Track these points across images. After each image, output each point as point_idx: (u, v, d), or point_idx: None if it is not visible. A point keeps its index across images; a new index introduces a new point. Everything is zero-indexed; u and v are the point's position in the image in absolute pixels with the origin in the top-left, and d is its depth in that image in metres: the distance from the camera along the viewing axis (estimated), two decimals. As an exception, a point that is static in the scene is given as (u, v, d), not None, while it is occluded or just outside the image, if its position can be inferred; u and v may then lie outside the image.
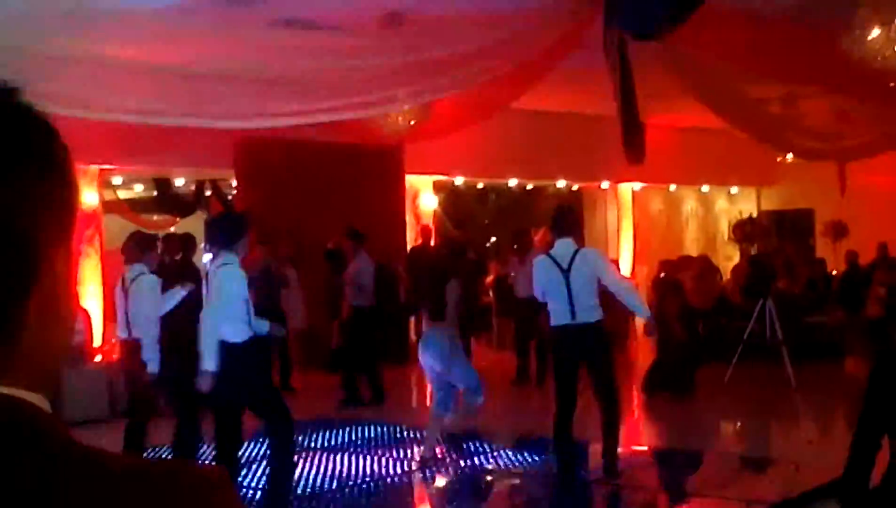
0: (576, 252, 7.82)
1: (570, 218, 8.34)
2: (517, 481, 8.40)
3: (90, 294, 13.46)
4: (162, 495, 0.91)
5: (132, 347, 8.14)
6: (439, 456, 9.06)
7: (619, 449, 8.05)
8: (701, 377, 12.42)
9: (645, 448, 9.86)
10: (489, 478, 8.53)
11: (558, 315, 7.80)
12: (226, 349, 6.81)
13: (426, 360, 8.90)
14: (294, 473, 7.28)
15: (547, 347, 13.34)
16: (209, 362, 6.77)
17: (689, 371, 12.26)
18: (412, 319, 16.94)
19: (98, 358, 12.36)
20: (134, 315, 8.06)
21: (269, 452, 7.21)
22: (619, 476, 7.97)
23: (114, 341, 12.53)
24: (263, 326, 7.12)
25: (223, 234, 7.10)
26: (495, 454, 9.27)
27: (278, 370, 13.20)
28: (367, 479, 8.46)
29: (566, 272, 7.73)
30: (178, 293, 8.55)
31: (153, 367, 7.84)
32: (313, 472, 8.68)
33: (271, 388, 7.40)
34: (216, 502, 0.94)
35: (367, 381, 12.31)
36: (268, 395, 7.04)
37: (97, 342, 13.15)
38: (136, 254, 8.28)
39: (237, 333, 6.87)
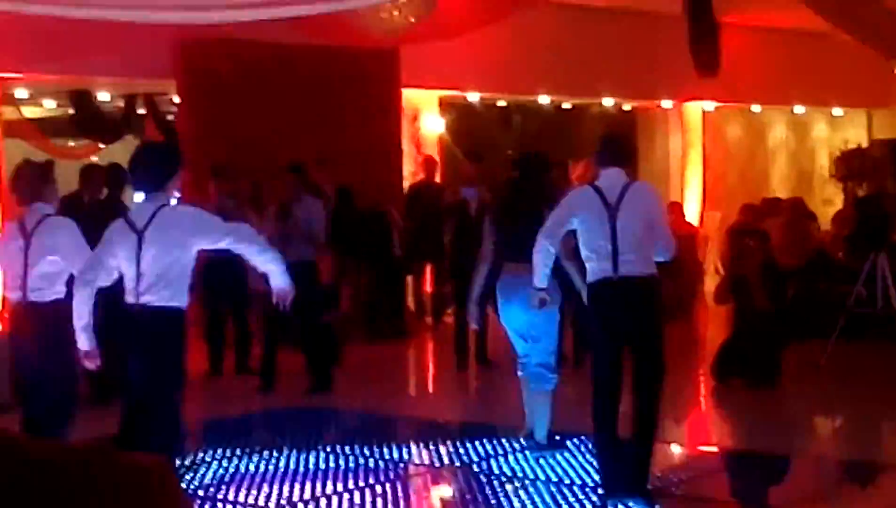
0: (626, 185, 7.86)
1: (620, 144, 8.36)
2: (542, 489, 8.47)
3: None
4: (93, 482, 0.94)
5: (26, 312, 8.13)
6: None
7: (668, 452, 8.07)
8: (789, 358, 12.44)
9: (714, 449, 9.91)
10: (506, 486, 8.59)
11: (597, 268, 7.83)
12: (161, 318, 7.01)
13: (510, 312, 9.13)
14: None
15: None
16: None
17: (774, 351, 12.28)
18: (410, 278, 17.01)
19: (-3, 327, 12.42)
20: (39, 272, 8.04)
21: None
22: (649, 492, 7.95)
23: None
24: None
25: (149, 170, 7.19)
26: (515, 454, 9.35)
27: (233, 347, 13.28)
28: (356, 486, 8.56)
29: (612, 210, 7.77)
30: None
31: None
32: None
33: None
34: (156, 492, 0.97)
35: (308, 361, 12.40)
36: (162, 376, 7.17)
37: (-4, 306, 13.18)
38: (32, 189, 8.18)
39: (176, 298, 7.04)
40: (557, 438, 9.41)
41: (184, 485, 8.51)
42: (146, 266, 7.06)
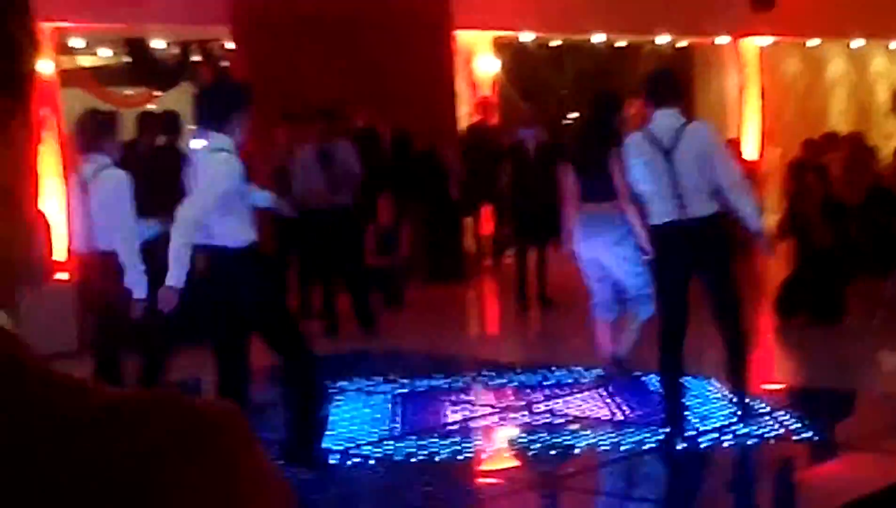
0: (682, 126, 7.82)
1: (671, 81, 8.32)
2: (605, 431, 8.48)
3: (48, 193, 13.61)
4: (161, 432, 0.93)
5: (96, 262, 8.20)
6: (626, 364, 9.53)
7: (748, 389, 8.12)
8: (853, 293, 12.37)
9: (780, 386, 9.88)
10: (570, 426, 8.61)
11: (660, 211, 7.84)
12: (222, 256, 6.96)
13: (589, 250, 9.23)
14: (318, 418, 7.40)
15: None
16: (177, 274, 6.95)
17: (838, 287, 12.21)
18: (468, 220, 17.00)
19: (62, 275, 12.54)
20: (99, 222, 8.10)
21: (285, 394, 7.39)
22: (754, 421, 8.08)
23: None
24: (264, 199, 7.37)
25: (213, 109, 7.17)
26: (576, 394, 9.40)
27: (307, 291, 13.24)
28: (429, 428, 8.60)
29: (669, 153, 7.73)
30: (153, 228, 8.62)
31: (139, 292, 7.90)
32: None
33: (285, 309, 7.52)
34: (228, 443, 0.95)
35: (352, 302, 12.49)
36: (280, 317, 7.17)
37: (60, 255, 13.30)
38: (92, 139, 8.22)
39: (234, 234, 6.97)
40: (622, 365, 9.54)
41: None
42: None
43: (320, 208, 11.98)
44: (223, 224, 7.02)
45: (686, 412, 8.18)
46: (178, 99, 19.76)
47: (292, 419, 7.31)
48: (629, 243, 9.01)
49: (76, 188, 8.28)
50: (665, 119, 7.89)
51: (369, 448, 8.22)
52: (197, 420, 0.93)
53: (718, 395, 8.99)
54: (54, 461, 0.88)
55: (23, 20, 0.99)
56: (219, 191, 6.97)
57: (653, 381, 9.10)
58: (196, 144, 14.50)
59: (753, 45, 21.33)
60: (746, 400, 8.16)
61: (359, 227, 12.79)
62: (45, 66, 13.77)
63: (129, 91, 20.50)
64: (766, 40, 21.35)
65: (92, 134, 8.24)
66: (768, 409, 8.79)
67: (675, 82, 8.44)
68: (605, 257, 9.12)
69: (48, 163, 13.79)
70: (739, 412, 8.15)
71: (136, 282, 7.92)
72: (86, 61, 19.04)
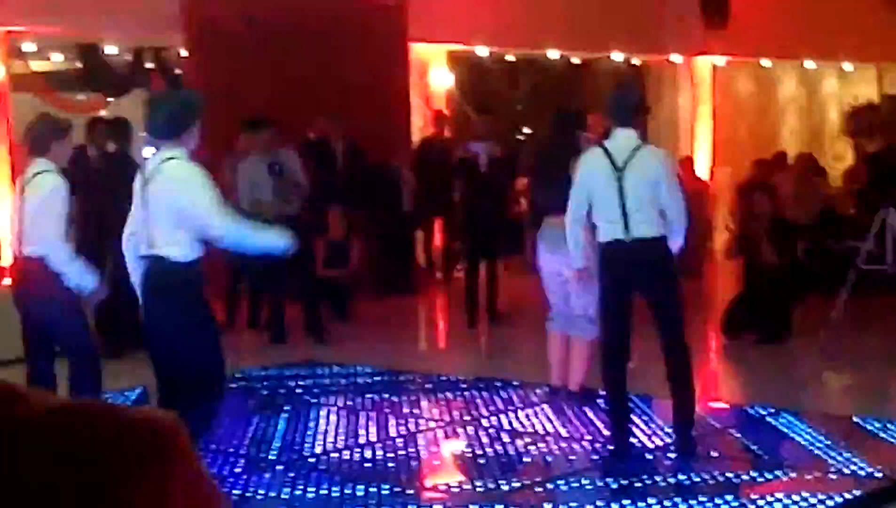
0: (637, 148, 7.88)
1: (634, 101, 8.33)
2: (550, 445, 8.49)
3: (-5, 198, 13.52)
4: (96, 440, 0.92)
5: (26, 267, 8.14)
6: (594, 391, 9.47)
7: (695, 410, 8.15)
8: (799, 314, 12.45)
9: (725, 405, 9.92)
10: (517, 441, 8.62)
11: (607, 229, 7.90)
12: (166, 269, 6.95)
13: (552, 263, 9.30)
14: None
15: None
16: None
17: (784, 307, 12.29)
18: (420, 233, 17.01)
19: (6, 281, 12.44)
20: (29, 226, 8.02)
21: None
22: (695, 448, 8.10)
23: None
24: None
25: (167, 119, 7.05)
26: (525, 409, 9.41)
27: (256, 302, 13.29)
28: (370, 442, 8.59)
29: (620, 171, 7.79)
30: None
31: (89, 283, 7.92)
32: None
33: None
34: (164, 451, 0.95)
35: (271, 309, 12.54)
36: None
37: (5, 259, 13.20)
38: (40, 144, 8.11)
39: (184, 248, 6.95)
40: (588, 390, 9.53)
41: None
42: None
43: (268, 219, 11.98)
44: (171, 236, 6.98)
45: (628, 430, 8.23)
46: (131, 106, 19.66)
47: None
48: (589, 258, 9.03)
49: (16, 192, 8.24)
50: (620, 139, 7.94)
51: (313, 459, 8.22)
52: (132, 428, 0.92)
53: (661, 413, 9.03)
54: None
55: None
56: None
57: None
58: (147, 152, 14.44)
59: (707, 63, 21.45)
60: (690, 423, 8.16)
61: (307, 237, 12.77)
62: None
63: (81, 97, 20.38)
64: (720, 60, 21.49)
65: (40, 139, 8.15)
66: (712, 428, 8.85)
67: (638, 103, 8.42)
68: (565, 270, 9.16)
69: (-4, 169, 13.69)
70: (682, 436, 8.12)
71: (80, 278, 7.92)
72: (38, 66, 18.90)
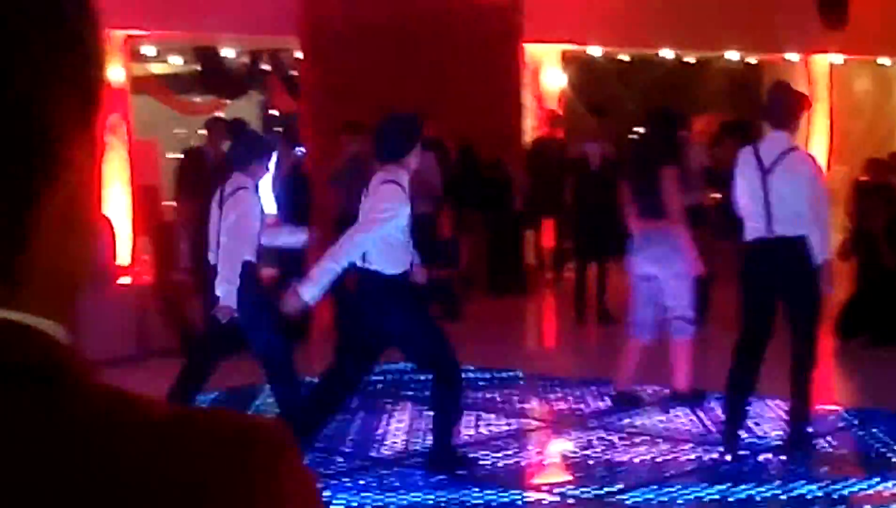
0: (785, 152, 7.91)
1: (790, 102, 8.30)
2: (664, 447, 8.46)
3: (114, 198, 13.77)
4: (206, 447, 0.94)
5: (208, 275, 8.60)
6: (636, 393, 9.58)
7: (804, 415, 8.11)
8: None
9: (838, 408, 9.80)
10: (626, 441, 8.61)
11: (751, 227, 8.00)
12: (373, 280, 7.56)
13: (641, 266, 9.27)
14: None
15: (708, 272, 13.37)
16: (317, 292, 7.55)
17: (901, 308, 12.10)
18: (530, 233, 17.00)
19: (125, 280, 12.69)
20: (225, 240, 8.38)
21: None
22: (811, 447, 8.05)
23: (145, 259, 12.87)
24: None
25: (393, 143, 7.62)
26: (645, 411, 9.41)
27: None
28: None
29: (766, 173, 7.85)
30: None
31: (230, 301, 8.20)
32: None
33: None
34: (273, 460, 0.97)
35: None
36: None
37: (124, 259, 13.44)
38: (241, 161, 8.55)
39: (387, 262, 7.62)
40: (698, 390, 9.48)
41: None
42: None
43: None
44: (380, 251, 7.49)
45: (741, 432, 8.20)
46: (248, 107, 19.93)
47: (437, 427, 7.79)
48: (679, 262, 9.04)
49: (214, 204, 8.57)
50: (772, 141, 8.02)
51: (419, 459, 8.28)
52: (242, 437, 0.94)
53: (778, 415, 8.96)
54: (97, 474, 0.90)
55: (95, 31, 1.02)
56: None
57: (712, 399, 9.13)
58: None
59: (824, 62, 21.16)
60: (805, 422, 8.13)
61: (437, 236, 12.94)
62: (116, 73, 13.95)
63: (199, 99, 20.71)
64: (837, 58, 21.18)
65: (242, 156, 8.60)
66: (827, 429, 8.76)
67: (794, 105, 8.31)
68: (657, 273, 9.14)
69: (115, 169, 13.96)
70: (796, 433, 8.13)
71: (225, 294, 8.21)
72: (157, 69, 19.25)
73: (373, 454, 8.48)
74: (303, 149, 14.37)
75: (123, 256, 13.02)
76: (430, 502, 7.34)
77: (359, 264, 7.51)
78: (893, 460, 8.11)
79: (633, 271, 9.47)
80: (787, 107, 8.20)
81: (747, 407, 8.26)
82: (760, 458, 8.16)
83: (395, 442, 8.74)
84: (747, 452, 8.18)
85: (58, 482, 0.90)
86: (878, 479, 7.69)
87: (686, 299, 9.17)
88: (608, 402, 9.73)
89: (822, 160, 20.28)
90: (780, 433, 8.42)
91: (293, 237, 9.43)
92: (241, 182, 8.37)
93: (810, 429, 8.24)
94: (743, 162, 8.09)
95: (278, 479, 0.95)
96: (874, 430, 8.86)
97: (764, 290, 7.99)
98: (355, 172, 12.46)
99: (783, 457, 8.11)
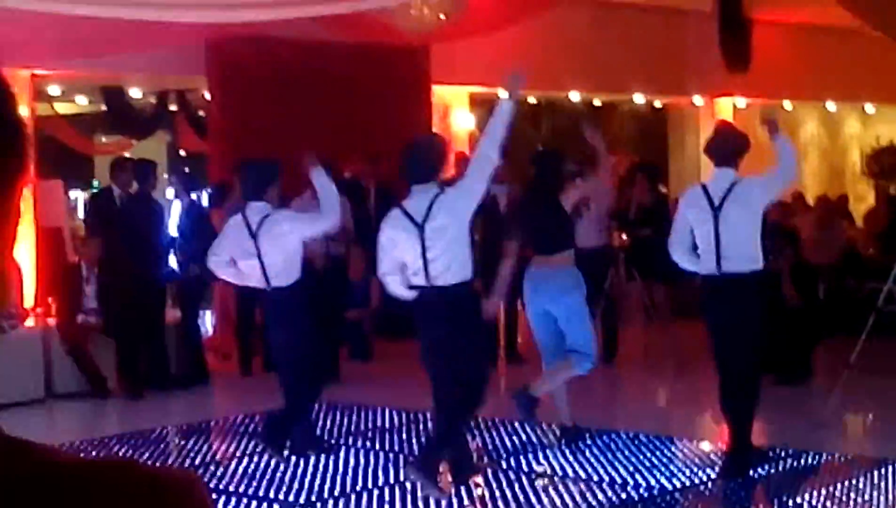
0: (732, 185, 8.16)
1: (735, 141, 8.60)
2: (571, 485, 8.48)
3: (18, 239, 13.57)
4: (119, 503, 0.92)
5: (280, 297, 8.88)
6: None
7: (697, 450, 8.25)
8: (820, 355, 12.40)
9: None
10: (536, 483, 8.61)
11: (703, 264, 8.32)
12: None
13: (537, 304, 9.31)
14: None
15: (616, 313, 13.45)
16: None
17: (805, 348, 12.24)
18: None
19: (30, 323, 12.51)
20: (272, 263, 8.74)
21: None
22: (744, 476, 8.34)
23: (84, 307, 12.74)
24: None
25: (423, 164, 8.03)
26: (545, 450, 9.40)
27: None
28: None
29: (717, 210, 8.11)
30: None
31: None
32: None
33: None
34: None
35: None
36: None
37: (29, 301, 13.28)
38: (255, 190, 8.94)
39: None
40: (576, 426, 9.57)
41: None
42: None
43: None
44: None
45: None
46: (155, 147, 19.79)
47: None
48: (577, 296, 9.13)
49: (240, 231, 8.80)
50: (720, 179, 8.26)
51: (332, 502, 8.22)
52: (150, 488, 0.92)
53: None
54: None
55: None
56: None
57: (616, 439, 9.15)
58: (169, 193, 14.59)
59: (728, 105, 21.47)
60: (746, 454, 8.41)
61: (347, 278, 12.93)
62: (22, 112, 13.75)
63: (105, 139, 20.53)
64: (741, 101, 21.50)
65: (256, 185, 8.90)
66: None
67: (739, 144, 8.54)
68: (553, 309, 9.19)
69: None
70: (732, 463, 8.36)
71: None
72: (63, 108, 19.06)
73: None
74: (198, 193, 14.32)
75: (28, 298, 12.83)
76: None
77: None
78: (797, 499, 8.18)
79: (529, 309, 9.56)
80: (732, 146, 8.47)
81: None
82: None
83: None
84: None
85: None
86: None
87: (586, 333, 9.26)
88: (517, 442, 9.74)
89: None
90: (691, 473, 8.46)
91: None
92: (264, 210, 8.77)
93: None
94: (692, 200, 8.35)
95: None
96: (779, 469, 8.95)
97: (721, 328, 8.31)
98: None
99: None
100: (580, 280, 9.18)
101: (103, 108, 18.46)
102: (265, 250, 8.66)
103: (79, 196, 18.91)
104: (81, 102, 19.30)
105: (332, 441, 9.94)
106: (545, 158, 10.15)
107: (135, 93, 18.09)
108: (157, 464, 0.84)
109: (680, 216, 8.51)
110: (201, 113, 17.89)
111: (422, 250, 7.80)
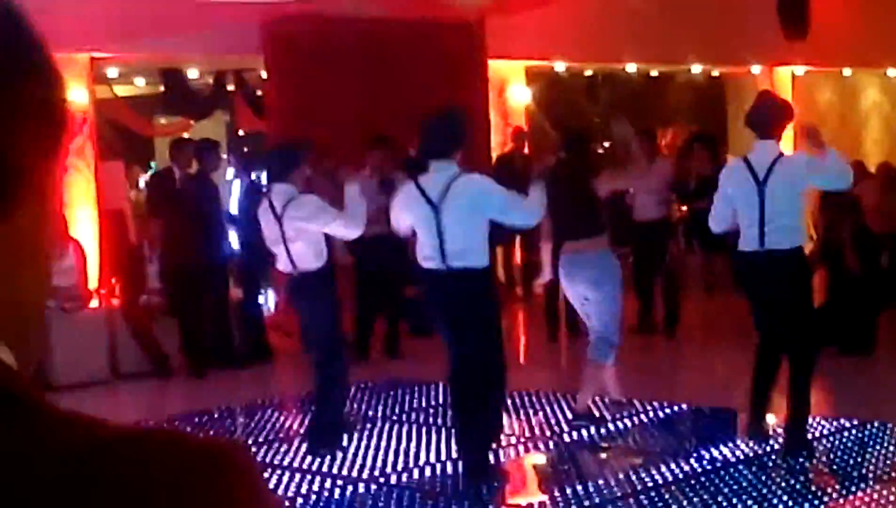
0: (776, 159, 7.96)
1: (775, 111, 8.34)
2: (640, 460, 8.46)
3: (81, 221, 13.70)
4: (159, 468, 0.93)
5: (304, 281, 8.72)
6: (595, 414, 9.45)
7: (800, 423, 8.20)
8: (883, 325, 12.29)
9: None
10: (599, 454, 8.60)
11: (745, 239, 8.07)
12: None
13: (573, 289, 9.24)
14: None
15: (677, 284, 13.38)
16: None
17: (869, 318, 12.14)
18: (499, 249, 16.98)
19: (94, 304, 12.63)
20: (299, 245, 8.59)
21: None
22: (810, 453, 8.24)
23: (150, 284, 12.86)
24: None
25: (443, 139, 7.81)
26: (608, 423, 9.38)
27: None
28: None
29: (761, 185, 7.89)
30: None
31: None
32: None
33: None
34: (229, 480, 0.96)
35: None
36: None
37: (93, 283, 13.39)
38: (279, 172, 8.83)
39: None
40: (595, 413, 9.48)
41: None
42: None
43: (376, 236, 12.21)
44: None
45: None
46: (214, 128, 19.89)
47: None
48: (608, 288, 8.96)
49: (267, 215, 8.71)
50: (762, 150, 8.06)
51: (395, 477, 8.26)
52: (196, 457, 0.94)
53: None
54: (47, 496, 0.89)
55: (49, 58, 1.01)
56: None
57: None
58: (230, 173, 14.65)
59: (787, 73, 21.29)
60: (803, 432, 8.32)
61: (406, 255, 12.94)
62: (80, 95, 13.89)
63: (164, 120, 20.66)
64: (800, 69, 21.31)
65: (279, 166, 8.80)
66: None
67: (780, 114, 8.34)
68: (588, 294, 9.08)
69: (82, 192, 13.89)
70: (792, 442, 8.25)
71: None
72: (122, 91, 19.18)
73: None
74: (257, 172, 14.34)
75: (92, 280, 12.95)
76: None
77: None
78: (863, 471, 8.12)
79: (568, 293, 9.47)
80: (774, 116, 8.25)
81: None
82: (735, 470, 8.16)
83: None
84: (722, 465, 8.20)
85: (12, 498, 0.89)
86: (851, 488, 7.72)
87: (612, 323, 9.06)
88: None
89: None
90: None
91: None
92: (288, 193, 8.63)
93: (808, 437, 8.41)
94: (735, 174, 8.17)
95: (238, 500, 0.94)
96: (844, 440, 8.89)
97: (763, 299, 8.16)
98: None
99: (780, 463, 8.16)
100: (612, 268, 8.99)
101: (162, 89, 18.57)
102: (289, 234, 8.53)
103: (140, 178, 19.03)
104: (140, 84, 19.44)
105: (363, 417, 9.99)
106: (574, 141, 9.77)
107: (192, 74, 18.19)
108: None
109: (721, 191, 8.29)
110: (259, 92, 17.94)
111: (437, 231, 7.67)
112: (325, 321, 8.64)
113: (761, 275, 8.01)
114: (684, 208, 14.57)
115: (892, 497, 7.42)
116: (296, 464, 8.67)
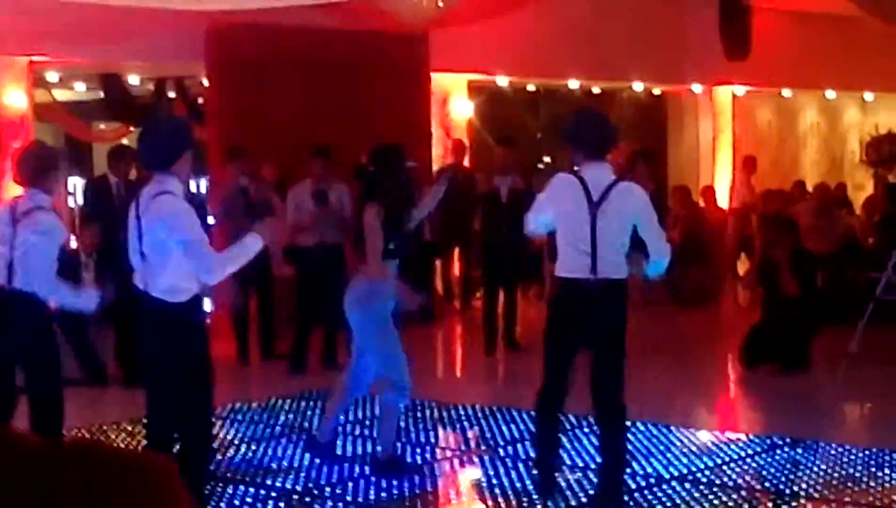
0: (612, 184, 7.30)
1: (606, 131, 7.60)
2: (572, 475, 8.49)
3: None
4: (83, 478, 0.93)
5: (9, 299, 7.90)
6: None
7: (697, 438, 8.11)
8: (818, 344, 12.41)
9: (742, 435, 9.89)
10: (533, 471, 8.62)
11: (571, 264, 7.34)
12: (166, 311, 6.85)
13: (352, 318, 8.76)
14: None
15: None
16: None
17: (804, 337, 12.25)
18: (438, 261, 17.02)
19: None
20: (21, 261, 7.82)
21: None
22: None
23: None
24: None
25: (159, 149, 6.77)
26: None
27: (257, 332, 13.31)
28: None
29: (595, 207, 7.24)
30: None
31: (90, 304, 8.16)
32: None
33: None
34: (153, 493, 0.96)
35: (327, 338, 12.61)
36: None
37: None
38: (32, 174, 7.84)
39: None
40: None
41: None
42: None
43: (310, 246, 12.21)
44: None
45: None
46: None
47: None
48: (383, 318, 8.63)
49: (4, 221, 7.86)
50: (597, 172, 7.33)
51: (329, 489, 8.23)
52: (119, 469, 0.93)
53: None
54: None
55: None
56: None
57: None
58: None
59: (727, 93, 21.48)
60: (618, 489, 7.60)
61: (344, 265, 12.90)
62: (19, 99, 13.78)
63: (103, 126, 20.52)
64: (740, 89, 21.51)
65: (33, 168, 7.86)
66: (731, 458, 8.84)
67: (611, 135, 7.62)
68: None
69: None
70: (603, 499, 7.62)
71: (83, 300, 8.19)
72: (61, 95, 19.04)
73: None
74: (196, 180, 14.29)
75: None
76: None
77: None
78: (795, 488, 8.18)
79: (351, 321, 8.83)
80: (608, 138, 7.54)
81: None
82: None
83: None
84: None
85: None
86: (783, 506, 7.78)
87: (395, 362, 8.47)
88: (514, 432, 9.75)
89: (725, 192, 20.55)
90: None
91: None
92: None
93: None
94: (567, 188, 7.34)
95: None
96: (777, 457, 8.95)
97: (575, 332, 7.43)
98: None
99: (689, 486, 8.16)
100: (380, 291, 8.76)
101: (101, 95, 18.46)
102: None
103: (77, 183, 18.88)
104: (80, 88, 19.29)
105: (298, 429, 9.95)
106: (379, 157, 8.90)
107: (133, 80, 18.08)
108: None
109: (548, 200, 7.49)
110: (200, 100, 17.87)
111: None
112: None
113: (589, 304, 7.24)
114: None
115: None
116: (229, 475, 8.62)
